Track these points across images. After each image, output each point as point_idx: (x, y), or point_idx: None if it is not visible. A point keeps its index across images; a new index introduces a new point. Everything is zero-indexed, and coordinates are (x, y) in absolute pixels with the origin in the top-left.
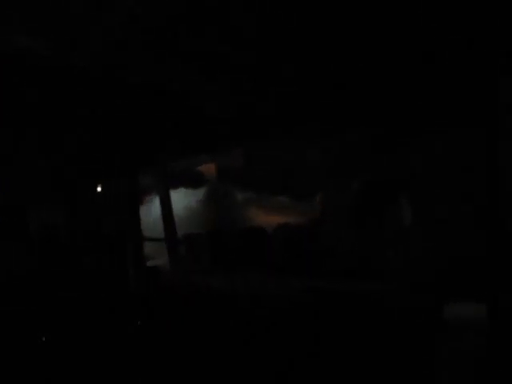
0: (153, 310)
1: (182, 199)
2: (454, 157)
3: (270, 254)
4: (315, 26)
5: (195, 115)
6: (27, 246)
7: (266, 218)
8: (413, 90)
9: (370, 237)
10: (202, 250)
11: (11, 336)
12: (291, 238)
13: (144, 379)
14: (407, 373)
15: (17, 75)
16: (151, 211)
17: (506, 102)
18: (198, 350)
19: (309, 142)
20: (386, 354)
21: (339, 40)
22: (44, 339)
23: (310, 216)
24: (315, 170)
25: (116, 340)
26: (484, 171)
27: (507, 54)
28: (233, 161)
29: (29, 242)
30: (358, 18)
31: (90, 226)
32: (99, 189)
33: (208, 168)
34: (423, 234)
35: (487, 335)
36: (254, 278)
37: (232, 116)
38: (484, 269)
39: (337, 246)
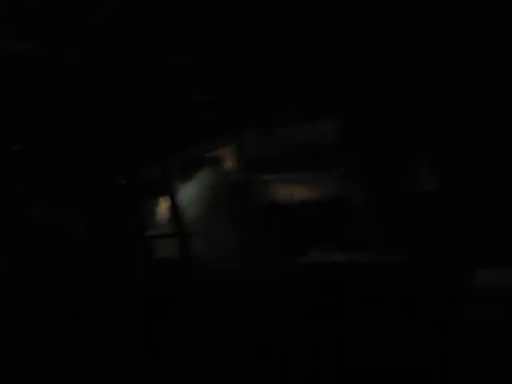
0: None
1: (201, 191)
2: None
3: (298, 233)
4: None
5: (201, 103)
6: (31, 249)
7: (291, 196)
8: (426, 51)
9: (393, 205)
10: (228, 238)
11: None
12: (315, 214)
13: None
14: (433, 345)
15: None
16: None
17: None
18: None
19: (320, 114)
20: (413, 325)
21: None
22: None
23: (332, 190)
24: (331, 143)
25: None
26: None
27: None
28: (248, 145)
29: (32, 245)
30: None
31: (93, 226)
32: (102, 187)
33: (223, 155)
34: (447, 196)
35: None
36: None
37: (239, 99)
38: None
39: (360, 218)
